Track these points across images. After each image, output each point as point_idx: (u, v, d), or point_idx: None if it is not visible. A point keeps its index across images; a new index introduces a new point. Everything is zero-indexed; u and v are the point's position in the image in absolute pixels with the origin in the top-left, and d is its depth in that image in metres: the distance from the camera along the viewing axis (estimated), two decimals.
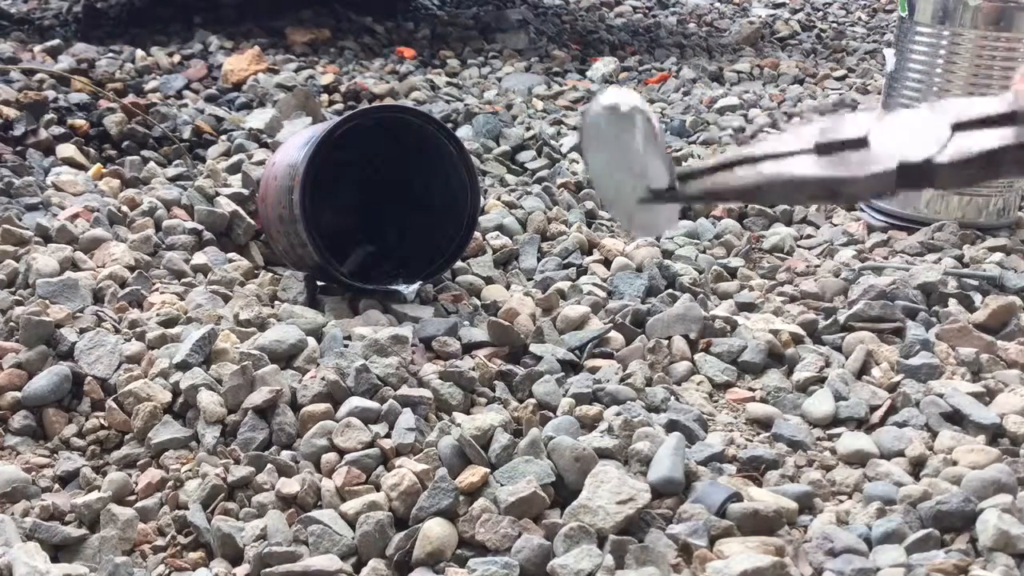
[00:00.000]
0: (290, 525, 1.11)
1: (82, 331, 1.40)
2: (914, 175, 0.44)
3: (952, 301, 1.63)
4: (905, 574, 1.04)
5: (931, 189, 0.48)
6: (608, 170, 0.63)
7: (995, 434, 1.30)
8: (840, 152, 0.50)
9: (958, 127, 0.47)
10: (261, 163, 2.00)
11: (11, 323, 1.40)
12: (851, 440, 1.30)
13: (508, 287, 1.77)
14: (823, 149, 0.50)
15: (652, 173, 0.59)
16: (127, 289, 1.53)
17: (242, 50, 3.02)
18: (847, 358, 1.50)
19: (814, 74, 3.36)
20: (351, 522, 1.11)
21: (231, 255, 1.75)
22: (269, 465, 1.19)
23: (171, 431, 1.26)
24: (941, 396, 1.36)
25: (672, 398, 1.36)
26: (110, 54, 2.90)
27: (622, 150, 0.60)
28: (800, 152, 0.52)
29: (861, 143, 0.49)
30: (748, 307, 1.69)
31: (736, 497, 1.14)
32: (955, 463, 1.23)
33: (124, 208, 1.82)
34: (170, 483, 1.19)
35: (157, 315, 1.46)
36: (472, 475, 1.14)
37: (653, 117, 0.61)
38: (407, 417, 1.25)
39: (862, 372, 1.47)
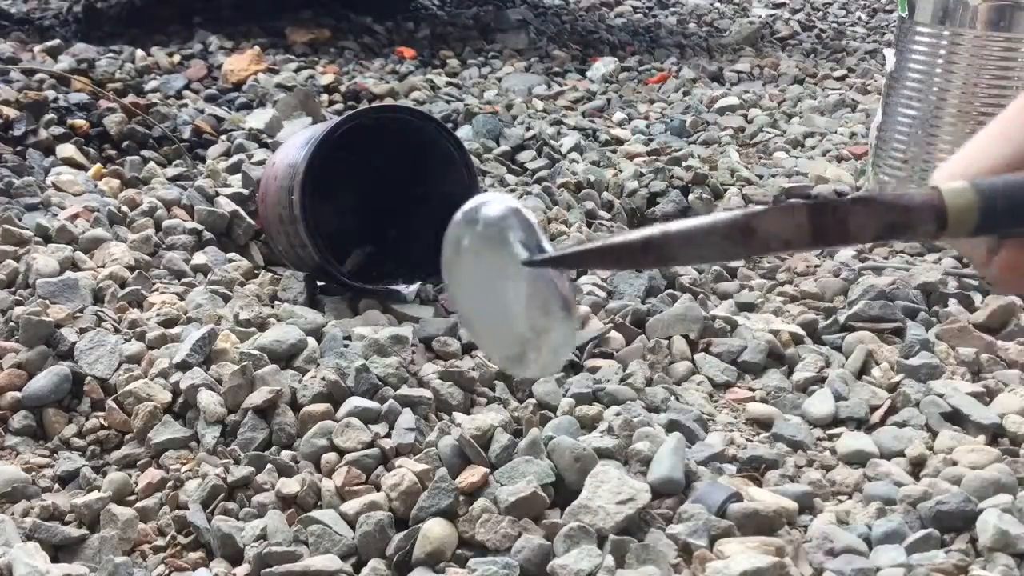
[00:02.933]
0: (290, 525, 1.11)
1: (82, 331, 1.40)
2: (825, 213, 0.43)
3: (952, 301, 1.63)
4: (905, 574, 1.04)
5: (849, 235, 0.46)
6: (482, 298, 0.51)
7: (995, 434, 1.30)
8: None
9: None
10: (261, 163, 2.00)
11: (11, 323, 1.40)
12: (851, 440, 1.30)
13: None
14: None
15: (539, 294, 0.48)
16: (127, 289, 1.53)
17: (242, 50, 3.02)
18: (847, 358, 1.50)
19: (814, 74, 3.36)
20: (351, 522, 1.11)
21: (231, 255, 1.75)
22: (269, 465, 1.19)
23: (171, 431, 1.26)
24: (941, 396, 1.36)
25: (672, 398, 1.36)
26: (110, 54, 2.90)
27: (497, 269, 0.48)
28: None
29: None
30: (748, 307, 1.69)
31: (736, 497, 1.14)
32: (955, 463, 1.23)
33: (124, 208, 1.82)
34: (170, 483, 1.19)
35: (157, 315, 1.46)
36: (472, 475, 1.14)
37: (532, 217, 0.49)
38: (407, 417, 1.25)
39: (862, 372, 1.47)
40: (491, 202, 0.50)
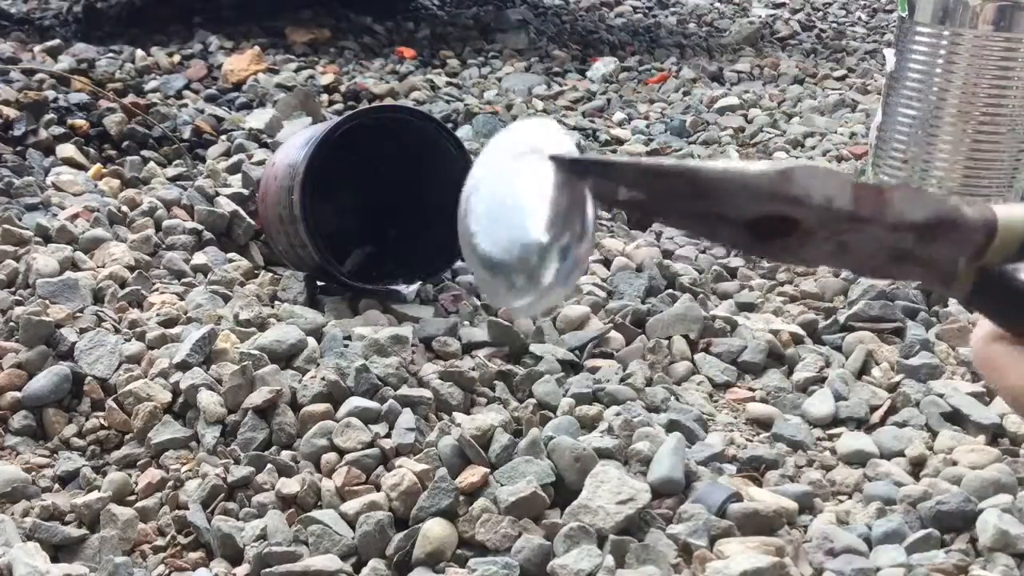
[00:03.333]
0: (290, 525, 1.11)
1: (82, 331, 1.40)
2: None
3: (952, 301, 1.63)
4: (905, 574, 1.04)
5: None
6: (497, 212, 0.46)
7: (995, 434, 1.30)
8: None
9: None
10: (261, 163, 2.00)
11: (11, 323, 1.40)
12: (851, 440, 1.30)
13: None
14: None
15: (561, 207, 0.44)
16: (127, 289, 1.53)
17: (242, 50, 3.02)
18: (847, 358, 1.50)
19: (814, 74, 3.36)
20: (351, 522, 1.11)
21: (231, 255, 1.75)
22: (269, 465, 1.19)
23: (171, 431, 1.26)
24: (941, 396, 1.36)
25: (672, 398, 1.36)
26: (110, 54, 2.89)
27: (519, 177, 0.44)
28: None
29: None
30: (748, 307, 1.69)
31: (736, 497, 1.14)
32: (955, 463, 1.23)
33: (124, 208, 1.82)
34: (170, 483, 1.19)
35: (157, 315, 1.46)
36: (472, 475, 1.14)
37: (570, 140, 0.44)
38: (407, 417, 1.25)
39: (862, 372, 1.47)
40: (530, 124, 0.47)
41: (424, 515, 1.11)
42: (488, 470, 1.16)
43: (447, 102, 2.77)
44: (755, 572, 1.01)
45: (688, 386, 1.44)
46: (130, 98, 2.40)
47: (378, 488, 1.16)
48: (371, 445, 1.21)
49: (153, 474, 1.21)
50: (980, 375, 0.41)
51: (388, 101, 2.67)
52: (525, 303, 0.44)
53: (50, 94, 2.29)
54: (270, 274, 1.69)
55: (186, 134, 2.29)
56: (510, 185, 0.45)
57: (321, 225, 1.60)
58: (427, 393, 1.31)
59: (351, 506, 1.13)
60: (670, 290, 1.70)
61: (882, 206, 0.38)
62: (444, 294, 1.69)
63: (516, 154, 0.45)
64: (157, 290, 1.56)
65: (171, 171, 2.09)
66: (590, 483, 1.12)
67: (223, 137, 2.28)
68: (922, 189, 0.39)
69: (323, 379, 1.29)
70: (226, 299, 1.55)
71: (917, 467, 1.24)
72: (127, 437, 1.28)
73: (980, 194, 1.97)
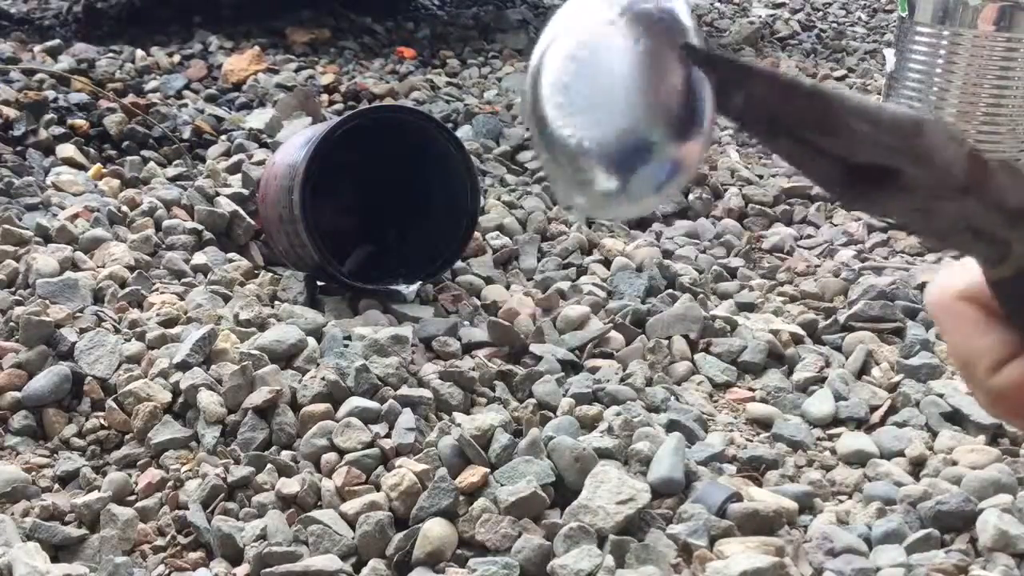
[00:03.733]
0: (290, 525, 1.11)
1: (82, 331, 1.40)
2: None
3: None
4: (905, 574, 1.04)
5: None
6: (590, 108, 0.37)
7: (995, 434, 1.30)
8: None
9: None
10: (261, 163, 2.00)
11: (11, 323, 1.40)
12: (851, 440, 1.30)
13: (508, 287, 1.77)
14: None
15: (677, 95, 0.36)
16: (127, 289, 1.53)
17: (242, 50, 3.01)
18: (847, 358, 1.50)
19: (814, 74, 3.36)
20: (351, 522, 1.11)
21: (231, 255, 1.75)
22: (269, 465, 1.19)
23: (171, 431, 1.26)
24: (941, 396, 1.36)
25: (672, 398, 1.36)
26: (110, 54, 2.89)
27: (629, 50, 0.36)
28: None
29: None
30: (748, 307, 1.69)
31: (736, 497, 1.14)
32: (955, 463, 1.23)
33: (124, 208, 1.82)
34: (170, 483, 1.19)
35: (157, 315, 1.46)
36: (472, 475, 1.14)
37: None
38: (407, 417, 1.25)
39: (862, 372, 1.47)
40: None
41: (424, 515, 1.11)
42: (488, 470, 1.16)
43: (447, 102, 2.77)
44: (755, 572, 1.01)
45: (688, 386, 1.44)
46: (130, 98, 2.40)
47: (378, 488, 1.16)
48: (371, 445, 1.21)
49: (153, 474, 1.21)
50: (934, 322, 0.40)
51: (388, 101, 2.67)
52: (611, 207, 0.37)
53: (50, 94, 2.29)
54: (270, 274, 1.69)
55: (186, 134, 2.29)
56: (605, 56, 0.37)
57: (321, 225, 1.60)
58: (427, 393, 1.31)
59: (351, 506, 1.13)
60: (670, 290, 1.70)
61: (988, 184, 0.36)
62: (444, 294, 1.69)
63: (610, 15, 0.37)
64: (157, 290, 1.56)
65: (171, 171, 2.09)
66: (590, 483, 1.12)
67: (223, 137, 2.28)
68: (1020, 171, 0.37)
69: (323, 379, 1.29)
70: (226, 299, 1.55)
71: (917, 467, 1.24)
72: (127, 437, 1.28)
73: None
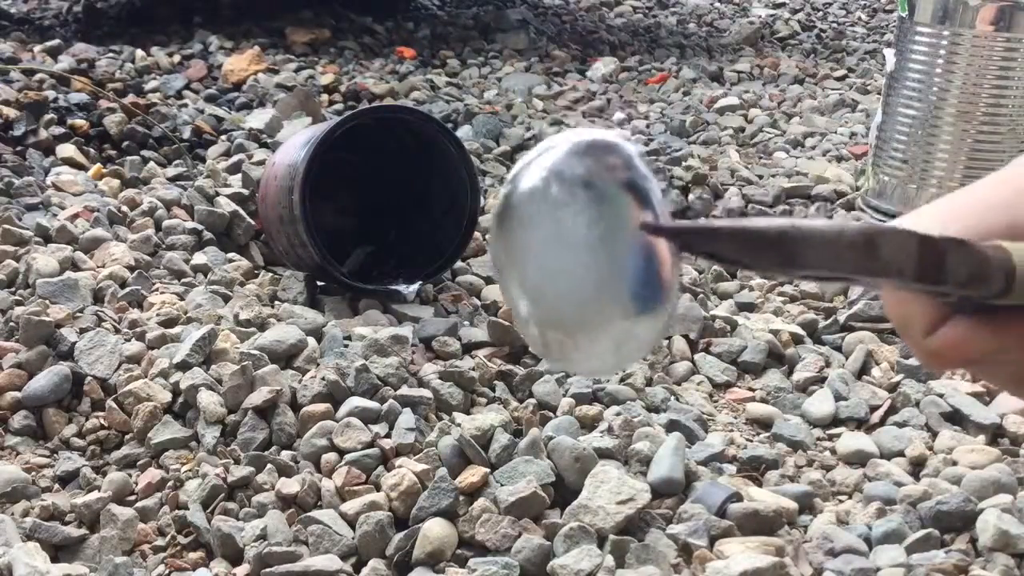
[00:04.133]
0: (290, 525, 1.11)
1: (82, 331, 1.40)
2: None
3: None
4: (905, 574, 1.04)
5: None
6: (559, 262, 0.38)
7: (995, 434, 1.30)
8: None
9: None
10: (261, 163, 2.00)
11: (11, 323, 1.40)
12: (851, 440, 1.30)
13: None
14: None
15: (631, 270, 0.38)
16: (127, 289, 1.53)
17: (242, 50, 3.01)
18: (847, 358, 1.50)
19: (814, 74, 3.36)
20: (351, 522, 1.11)
21: (231, 255, 1.75)
22: (269, 465, 1.19)
23: (171, 431, 1.26)
24: (941, 396, 1.36)
25: (672, 398, 1.36)
26: (110, 54, 2.89)
27: (583, 227, 0.37)
28: None
29: None
30: (748, 307, 1.69)
31: (736, 497, 1.14)
32: (955, 463, 1.23)
33: (124, 208, 1.82)
34: (170, 483, 1.19)
35: (157, 315, 1.46)
36: (472, 475, 1.14)
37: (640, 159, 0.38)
38: (407, 417, 1.25)
39: (862, 372, 1.47)
40: (605, 137, 0.38)
41: (424, 515, 1.11)
42: (488, 470, 1.16)
43: (447, 102, 2.77)
44: (755, 572, 1.01)
45: (688, 386, 1.44)
46: (130, 98, 2.40)
47: (378, 488, 1.16)
48: (371, 445, 1.21)
49: (153, 474, 1.21)
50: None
51: (388, 101, 2.67)
52: (593, 368, 0.41)
53: (50, 94, 2.29)
54: (270, 274, 1.69)
55: (186, 134, 2.29)
56: (567, 230, 0.37)
57: (321, 225, 1.60)
58: (427, 393, 1.31)
59: (351, 506, 1.13)
60: None
61: (939, 270, 0.39)
62: (444, 294, 1.69)
63: (567, 190, 0.37)
64: (157, 290, 1.56)
65: (171, 171, 2.09)
66: (590, 483, 1.12)
67: (223, 137, 2.28)
68: (966, 241, 0.40)
69: (323, 379, 1.29)
70: (226, 299, 1.55)
71: (917, 467, 1.24)
72: (127, 437, 1.28)
73: None
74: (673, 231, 0.38)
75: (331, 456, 1.20)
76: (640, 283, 0.38)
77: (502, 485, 1.14)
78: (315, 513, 1.12)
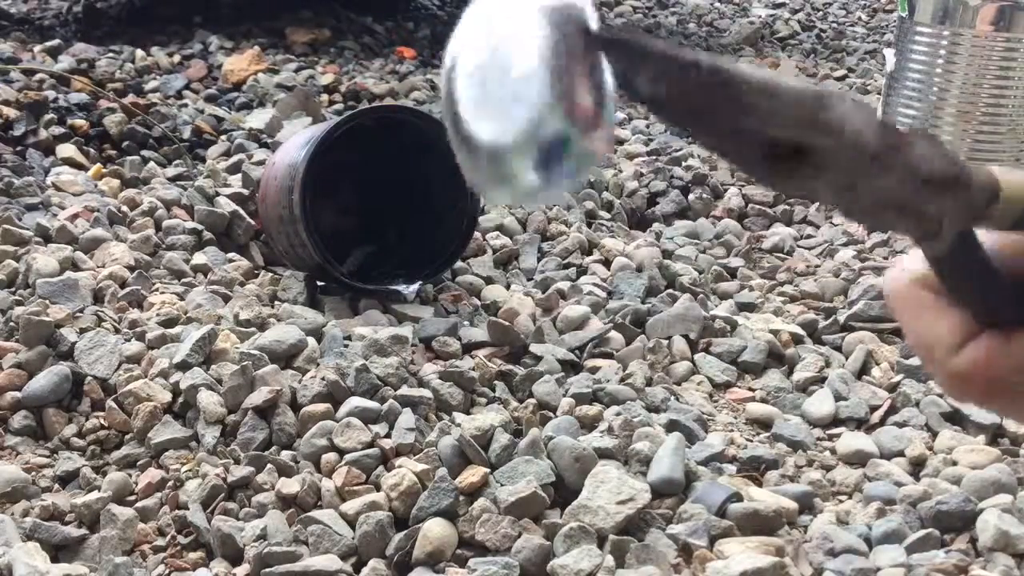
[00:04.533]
0: (290, 525, 1.11)
1: (82, 331, 1.40)
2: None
3: None
4: (905, 574, 1.04)
5: None
6: (495, 103, 0.39)
7: (995, 434, 1.30)
8: None
9: None
10: (261, 163, 2.00)
11: (11, 323, 1.40)
12: (851, 440, 1.30)
13: (508, 287, 1.77)
14: None
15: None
16: (127, 289, 1.53)
17: (242, 50, 3.01)
18: (847, 358, 1.50)
19: (814, 74, 3.36)
20: (351, 522, 1.11)
21: (231, 255, 1.75)
22: (269, 465, 1.19)
23: (171, 431, 1.26)
24: (941, 396, 1.36)
25: (672, 398, 1.36)
26: (110, 54, 2.89)
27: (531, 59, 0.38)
28: None
29: None
30: (748, 307, 1.69)
31: (736, 497, 1.14)
32: (955, 463, 1.23)
33: (124, 208, 1.82)
34: (170, 483, 1.19)
35: (157, 315, 1.46)
36: (472, 475, 1.14)
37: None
38: (407, 417, 1.25)
39: (862, 372, 1.47)
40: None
41: (424, 515, 1.10)
42: (488, 470, 1.16)
43: None
44: (755, 572, 1.01)
45: (688, 386, 1.44)
46: (130, 98, 2.40)
47: (378, 488, 1.16)
48: (371, 445, 1.21)
49: (153, 474, 1.21)
50: (889, 308, 0.40)
51: (388, 101, 2.67)
52: (531, 199, 0.38)
53: (50, 94, 2.29)
54: (270, 274, 1.69)
55: (186, 134, 2.29)
56: (513, 54, 0.38)
57: (321, 225, 1.60)
58: (427, 393, 1.31)
59: (351, 506, 1.13)
60: (670, 290, 1.70)
61: (904, 152, 0.36)
62: (444, 294, 1.69)
63: (518, 12, 0.38)
64: (157, 290, 1.56)
65: (171, 171, 2.09)
66: (590, 483, 1.12)
67: (223, 137, 2.28)
68: (939, 140, 0.37)
69: (323, 379, 1.29)
70: (226, 299, 1.55)
71: (917, 467, 1.24)
72: (127, 437, 1.28)
73: None
74: (610, 42, 0.37)
75: (331, 456, 1.20)
76: (589, 97, 0.37)
77: (502, 485, 1.14)
78: (315, 513, 1.12)
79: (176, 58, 2.97)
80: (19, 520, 1.12)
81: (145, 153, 2.19)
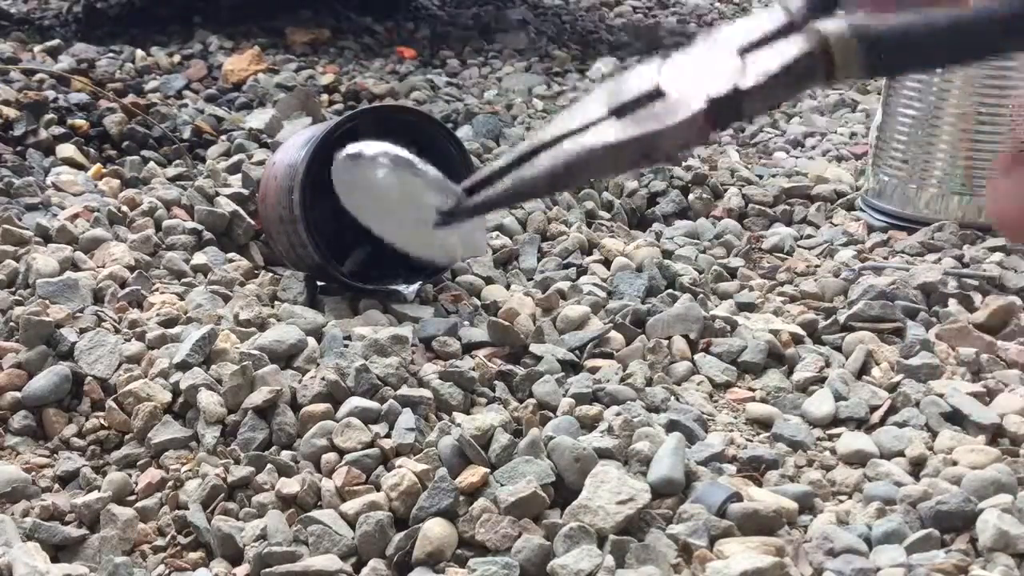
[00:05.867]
0: (290, 525, 1.11)
1: (82, 331, 1.40)
2: (725, 108, 0.42)
3: (952, 301, 1.63)
4: (905, 574, 1.04)
5: (744, 120, 0.44)
6: (381, 214, 0.56)
7: (995, 434, 1.30)
8: (638, 110, 0.43)
9: (745, 51, 0.44)
10: (261, 163, 2.00)
11: (11, 323, 1.40)
12: (851, 440, 1.30)
13: (508, 287, 1.77)
14: (619, 112, 0.44)
15: (430, 200, 0.53)
16: (127, 289, 1.53)
17: (242, 50, 3.01)
18: (847, 358, 1.50)
19: None
20: (351, 522, 1.11)
21: (231, 255, 1.75)
22: (269, 465, 1.19)
23: (171, 431, 1.26)
24: (941, 396, 1.36)
25: (672, 398, 1.36)
26: (110, 54, 2.89)
27: (383, 191, 0.55)
28: (597, 122, 0.44)
29: (656, 94, 0.43)
30: (748, 307, 1.69)
31: (736, 497, 1.14)
32: (955, 463, 1.22)
33: (124, 208, 1.82)
34: (170, 483, 1.19)
35: (157, 315, 1.46)
36: (472, 475, 1.14)
37: (401, 152, 0.54)
38: (407, 417, 1.25)
39: (862, 372, 1.46)
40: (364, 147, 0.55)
41: (424, 515, 1.11)
42: (488, 470, 1.16)
43: (447, 102, 2.77)
44: (755, 572, 1.01)
45: (688, 386, 1.44)
46: (130, 98, 2.40)
47: (378, 488, 1.16)
48: (371, 445, 1.21)
49: (153, 474, 1.21)
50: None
51: (388, 101, 2.67)
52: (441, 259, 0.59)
53: (50, 94, 2.29)
54: (270, 274, 1.69)
55: (186, 134, 2.29)
56: (376, 189, 0.55)
57: (321, 225, 1.60)
58: (427, 393, 1.31)
59: (351, 506, 1.13)
60: (670, 290, 1.70)
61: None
62: (444, 294, 1.69)
63: (363, 166, 0.55)
64: (157, 290, 1.56)
65: (171, 171, 2.09)
66: (590, 483, 1.12)
67: (223, 137, 2.28)
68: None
69: (323, 379, 1.29)
70: (226, 299, 1.55)
71: (917, 467, 1.24)
72: (127, 437, 1.28)
73: (980, 195, 1.97)
74: (465, 211, 0.51)
75: (331, 456, 1.20)
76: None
77: (502, 485, 1.14)
78: (315, 513, 1.12)
79: (176, 58, 2.97)
80: (19, 520, 1.12)
81: (145, 153, 2.20)
